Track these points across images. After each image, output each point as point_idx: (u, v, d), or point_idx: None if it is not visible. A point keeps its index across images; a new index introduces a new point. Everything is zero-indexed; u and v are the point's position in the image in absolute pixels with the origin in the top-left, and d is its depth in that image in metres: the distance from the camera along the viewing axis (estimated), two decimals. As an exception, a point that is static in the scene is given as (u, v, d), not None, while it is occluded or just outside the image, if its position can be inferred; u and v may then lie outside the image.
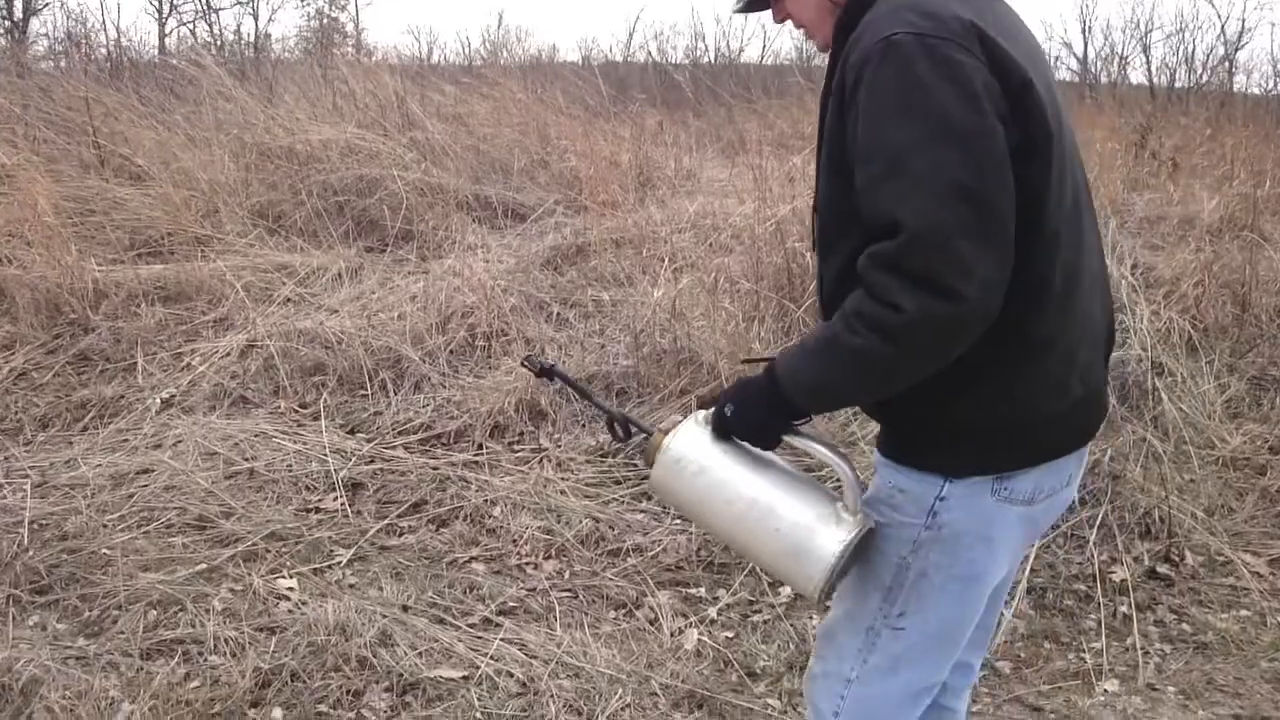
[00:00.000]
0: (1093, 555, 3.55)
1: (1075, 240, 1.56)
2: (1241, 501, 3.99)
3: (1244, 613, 3.43)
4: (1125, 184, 7.50)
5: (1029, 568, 3.43)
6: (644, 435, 1.77)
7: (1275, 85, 22.61)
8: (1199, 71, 24.33)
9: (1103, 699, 3.04)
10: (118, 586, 3.42)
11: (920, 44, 1.42)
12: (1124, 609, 3.39)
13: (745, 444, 1.64)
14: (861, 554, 1.64)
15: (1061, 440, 1.65)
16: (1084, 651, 3.23)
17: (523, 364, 2.01)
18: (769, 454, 1.66)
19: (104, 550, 3.65)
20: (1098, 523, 3.65)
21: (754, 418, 1.60)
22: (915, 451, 1.62)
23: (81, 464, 4.25)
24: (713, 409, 1.65)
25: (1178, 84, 23.07)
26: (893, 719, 1.78)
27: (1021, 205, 1.42)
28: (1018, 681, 3.13)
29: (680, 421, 1.68)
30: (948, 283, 1.37)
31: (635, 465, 4.10)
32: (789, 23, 1.73)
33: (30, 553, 3.62)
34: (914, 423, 1.61)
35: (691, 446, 1.64)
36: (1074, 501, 3.50)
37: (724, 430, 1.64)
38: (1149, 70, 24.94)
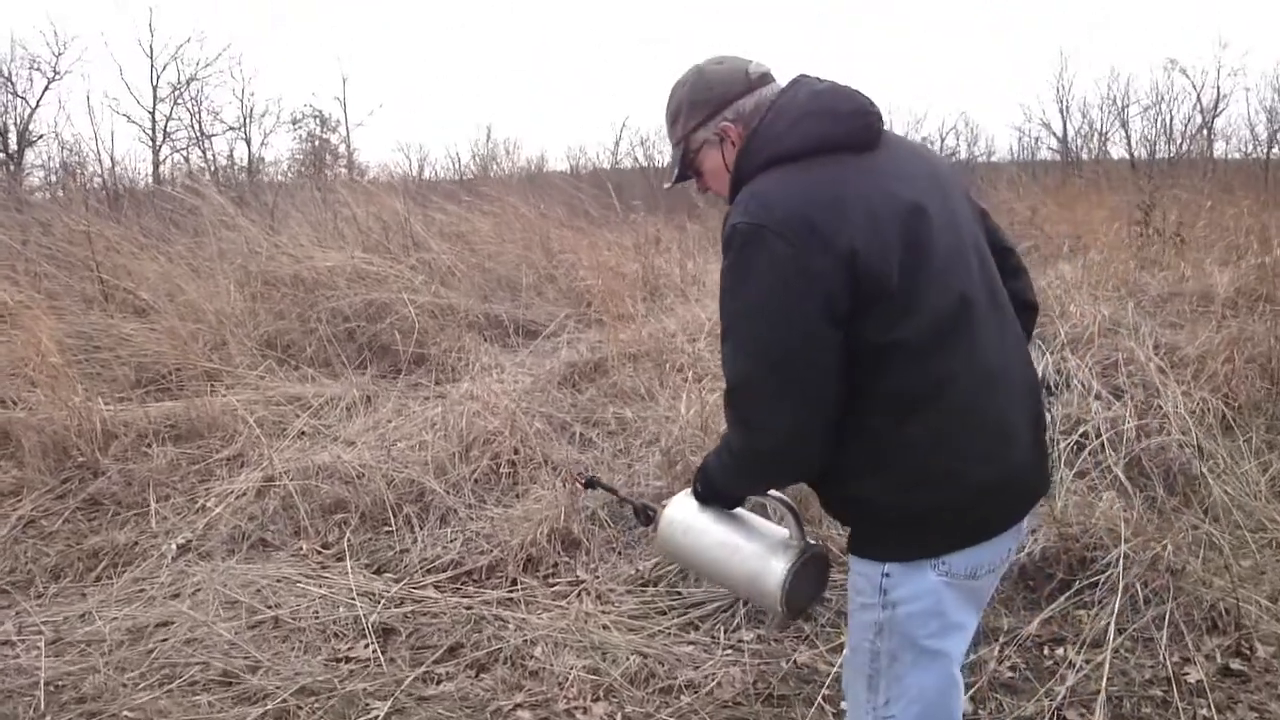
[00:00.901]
0: (1164, 658, 3.37)
1: (960, 340, 1.80)
2: (1304, 584, 3.82)
3: (1324, 704, 3.26)
4: (1137, 263, 7.48)
5: (1105, 677, 3.24)
6: (655, 510, 2.29)
7: (1254, 149, 22.94)
8: (1178, 141, 24.70)
9: (1202, 814, 2.86)
10: (144, 757, 3.22)
11: (752, 233, 1.73)
12: (1204, 712, 3.21)
13: (718, 507, 2.09)
14: (819, 576, 2.05)
15: (988, 522, 1.87)
16: (1171, 762, 3.05)
17: (570, 480, 2.72)
18: (739, 510, 2.11)
19: (125, 713, 3.45)
20: (1165, 622, 3.47)
21: (707, 492, 2.07)
22: (861, 544, 1.91)
23: (97, 618, 4.07)
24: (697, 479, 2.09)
25: (1158, 155, 23.40)
26: None
27: (869, 338, 1.74)
28: (1113, 804, 2.94)
29: (675, 497, 2.18)
30: (757, 424, 1.81)
31: (679, 594, 3.92)
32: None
33: (48, 718, 3.42)
34: (855, 521, 1.93)
35: (678, 511, 2.14)
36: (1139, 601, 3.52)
37: (700, 499, 2.09)
38: (1129, 144, 25.33)
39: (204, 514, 4.80)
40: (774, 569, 1.98)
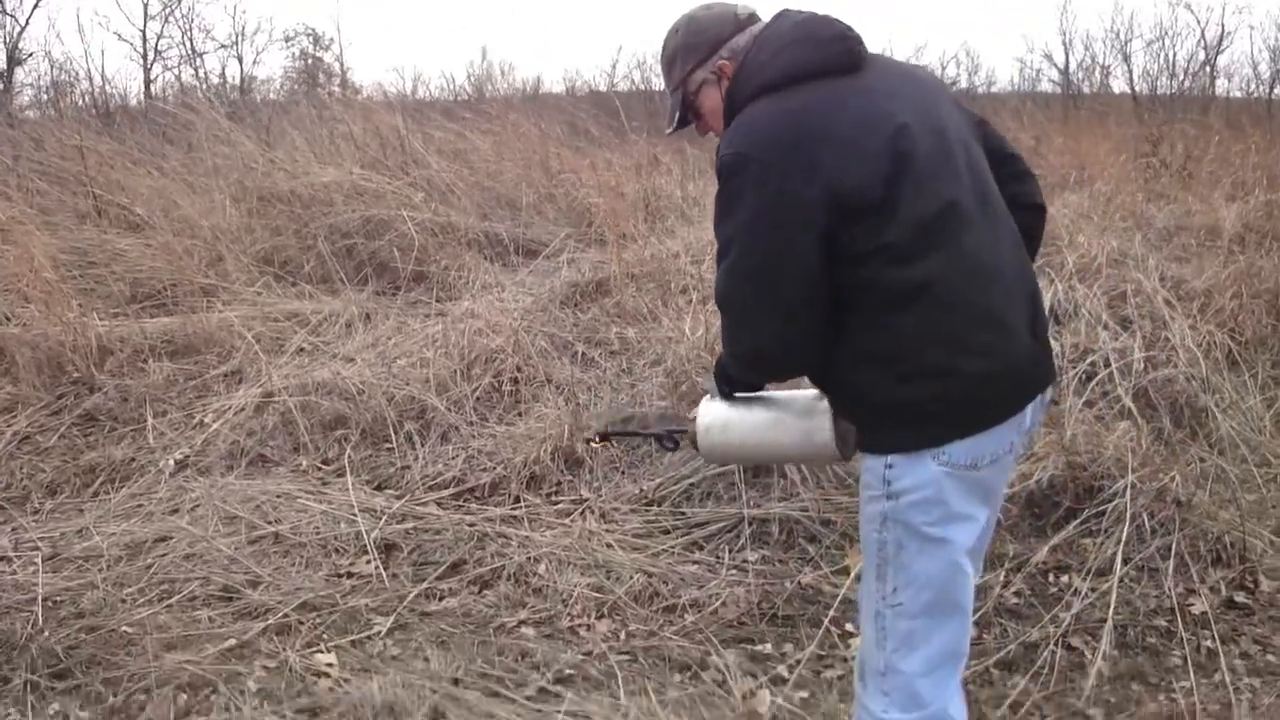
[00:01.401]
0: (1169, 589, 3.35)
1: (947, 242, 1.86)
2: (1307, 521, 3.81)
3: (1328, 640, 3.26)
4: (1144, 196, 7.42)
5: (1110, 606, 3.23)
6: (683, 431, 2.31)
7: (1256, 88, 22.67)
8: (1181, 78, 24.38)
9: (1201, 743, 2.85)
10: (143, 668, 3.18)
11: (738, 162, 1.85)
12: (1207, 643, 3.21)
13: (740, 395, 2.17)
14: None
15: (986, 412, 1.91)
16: (1174, 692, 3.04)
17: (589, 442, 2.79)
18: (762, 393, 2.18)
19: (125, 628, 3.42)
20: (1170, 553, 3.45)
21: (728, 388, 2.17)
22: (867, 439, 1.98)
23: (94, 533, 4.03)
24: (712, 384, 2.20)
25: (1160, 91, 23.12)
26: (933, 694, 2.01)
27: (854, 247, 1.84)
28: (1113, 732, 2.93)
29: (697, 410, 2.23)
30: (746, 337, 1.97)
31: (684, 513, 3.89)
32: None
33: (46, 633, 3.37)
34: (858, 417, 1.99)
35: (710, 415, 2.19)
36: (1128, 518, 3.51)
37: (725, 396, 2.18)
38: (1131, 79, 24.98)
39: (202, 430, 4.75)
40: (820, 423, 2.08)
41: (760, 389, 2.21)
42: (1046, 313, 2.13)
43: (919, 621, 1.98)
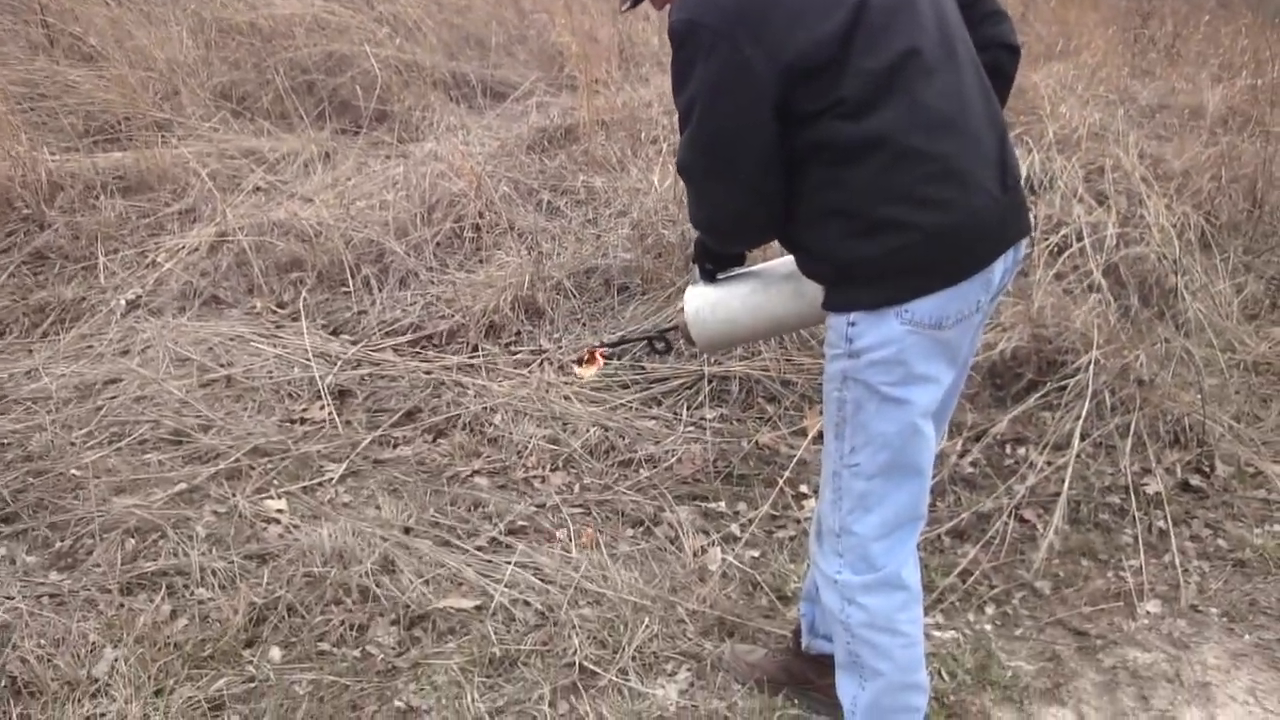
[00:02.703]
0: (1125, 467, 3.35)
1: (904, 93, 1.79)
2: (1267, 409, 3.81)
3: (1278, 528, 3.28)
4: (1129, 71, 7.25)
5: (1066, 481, 3.22)
6: (673, 328, 2.29)
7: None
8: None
9: (1146, 622, 2.89)
10: (91, 512, 3.15)
11: (688, 30, 1.78)
12: (1159, 523, 3.22)
13: (730, 272, 2.18)
14: None
15: (949, 267, 1.85)
16: (1123, 570, 3.07)
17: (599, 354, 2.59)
18: (745, 268, 2.19)
19: (73, 471, 3.38)
20: (1129, 432, 3.44)
21: (709, 262, 2.18)
22: (830, 297, 1.93)
23: (43, 374, 3.95)
24: (695, 271, 2.21)
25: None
26: (886, 557, 2.02)
27: (806, 106, 1.78)
28: (1059, 603, 2.96)
29: (684, 299, 2.21)
30: (707, 205, 1.97)
31: (643, 368, 3.83)
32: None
33: (-8, 475, 3.33)
34: (822, 276, 1.94)
35: (697, 299, 2.17)
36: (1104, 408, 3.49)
37: (710, 275, 2.18)
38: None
39: (154, 269, 4.62)
40: (807, 284, 2.04)
41: (741, 261, 2.20)
42: (1019, 167, 2.04)
43: (875, 483, 1.97)
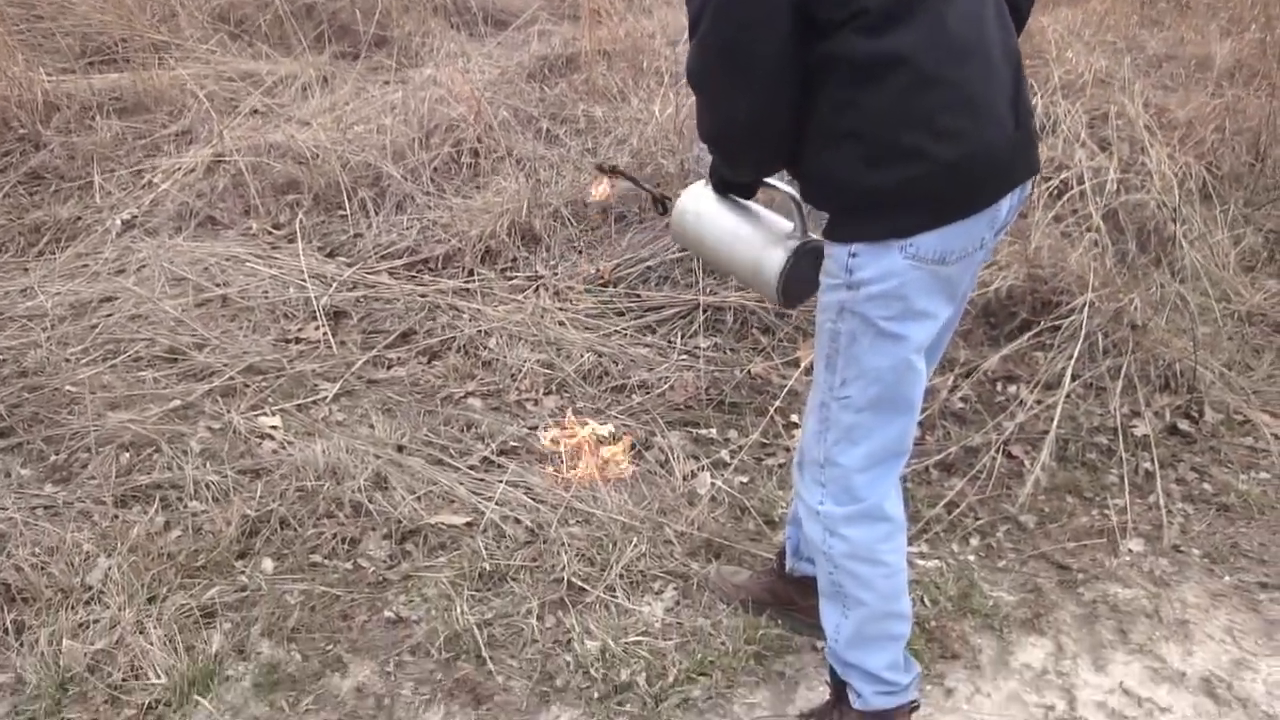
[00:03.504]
0: (1114, 409, 3.36)
1: (925, 12, 1.71)
2: (1259, 359, 3.81)
3: (1264, 475, 3.29)
4: (1138, 19, 7.18)
5: (1055, 419, 3.24)
6: (669, 199, 2.28)
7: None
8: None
9: (1128, 559, 2.92)
10: (86, 427, 3.17)
11: None
12: (1146, 465, 3.24)
13: (733, 197, 2.15)
14: (817, 268, 1.97)
15: (958, 201, 1.80)
16: (1107, 508, 3.09)
17: (598, 169, 2.62)
18: (751, 204, 2.14)
19: (68, 387, 3.39)
20: (1120, 374, 3.45)
21: (714, 179, 2.14)
22: (833, 226, 1.86)
23: (39, 292, 3.95)
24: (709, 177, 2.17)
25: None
26: (869, 490, 2.00)
27: (826, 15, 1.68)
28: (1043, 537, 2.99)
29: (688, 187, 2.20)
30: (713, 113, 1.84)
31: (639, 296, 3.84)
32: None
33: (-13, 391, 3.35)
34: (826, 202, 1.87)
35: (691, 200, 2.17)
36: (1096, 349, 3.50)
37: (716, 188, 2.14)
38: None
39: (150, 190, 4.61)
40: (774, 258, 2.04)
41: (751, 193, 2.15)
42: (1032, 102, 1.98)
43: (863, 415, 1.94)
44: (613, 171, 2.54)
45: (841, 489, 2.01)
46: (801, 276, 2.05)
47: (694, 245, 2.24)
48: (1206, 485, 3.24)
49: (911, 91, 1.71)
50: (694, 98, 1.88)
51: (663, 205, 2.38)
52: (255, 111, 5.14)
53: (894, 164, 1.75)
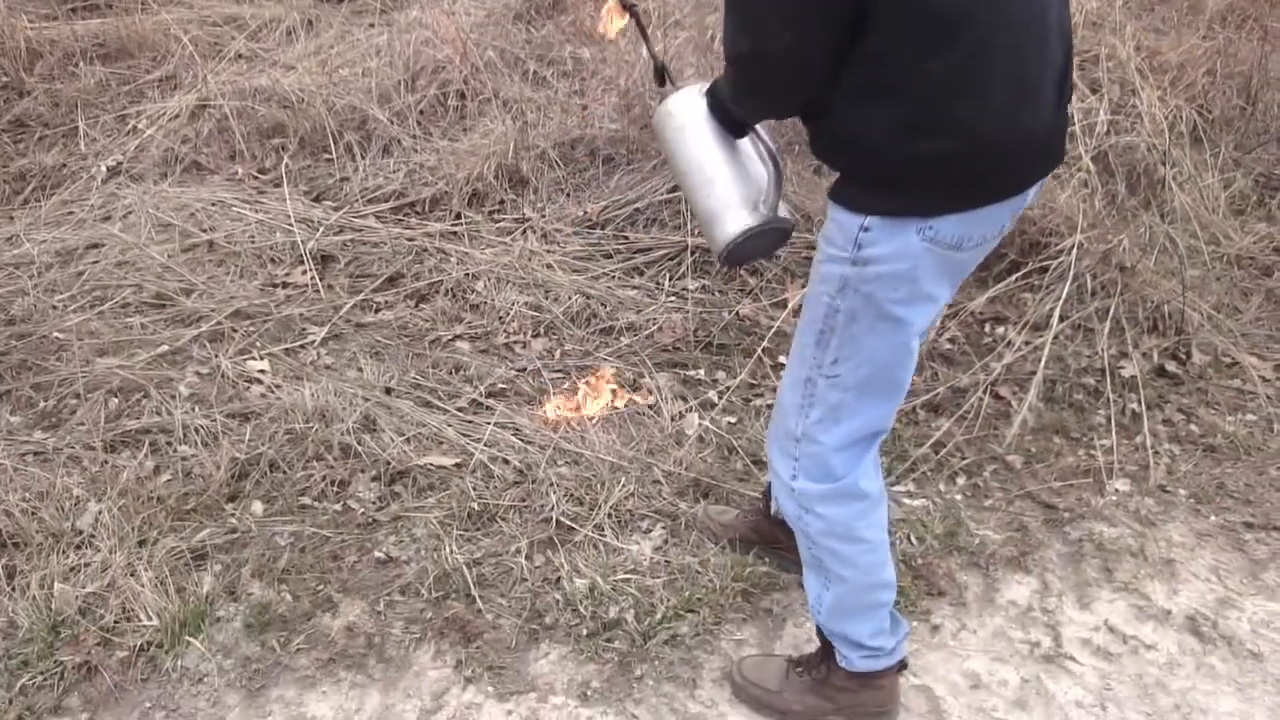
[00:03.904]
0: (1102, 349, 3.36)
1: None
2: (1247, 302, 3.81)
3: (1250, 417, 3.30)
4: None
5: (1042, 360, 3.25)
6: (675, 88, 2.03)
7: None
8: None
9: (1114, 499, 2.93)
10: (74, 373, 3.18)
11: None
12: (1133, 406, 3.25)
13: (725, 128, 1.90)
14: (772, 245, 1.97)
15: (989, 185, 1.69)
16: (1094, 449, 3.11)
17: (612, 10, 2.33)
18: (743, 143, 1.92)
19: (56, 334, 3.39)
20: (1108, 316, 3.45)
21: (713, 102, 1.87)
22: (846, 190, 1.72)
23: (25, 240, 3.93)
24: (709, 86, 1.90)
25: None
26: (845, 468, 1.93)
27: None
28: (1029, 477, 3.01)
29: (690, 87, 1.95)
30: (746, 35, 1.61)
31: (626, 238, 3.83)
32: None
33: (-23, 335, 3.35)
34: (845, 163, 1.72)
35: (683, 107, 1.93)
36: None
37: (711, 107, 1.88)
38: None
39: (135, 136, 4.57)
40: (734, 220, 1.88)
41: (743, 132, 1.91)
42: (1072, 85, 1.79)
43: (850, 394, 1.85)
44: (632, 10, 2.22)
45: (817, 465, 1.93)
46: (753, 249, 1.95)
47: (665, 152, 2.06)
48: (1193, 426, 3.25)
49: (967, 63, 1.56)
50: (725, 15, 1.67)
51: (662, 78, 2.16)
52: (240, 56, 5.09)
53: (939, 137, 1.60)
